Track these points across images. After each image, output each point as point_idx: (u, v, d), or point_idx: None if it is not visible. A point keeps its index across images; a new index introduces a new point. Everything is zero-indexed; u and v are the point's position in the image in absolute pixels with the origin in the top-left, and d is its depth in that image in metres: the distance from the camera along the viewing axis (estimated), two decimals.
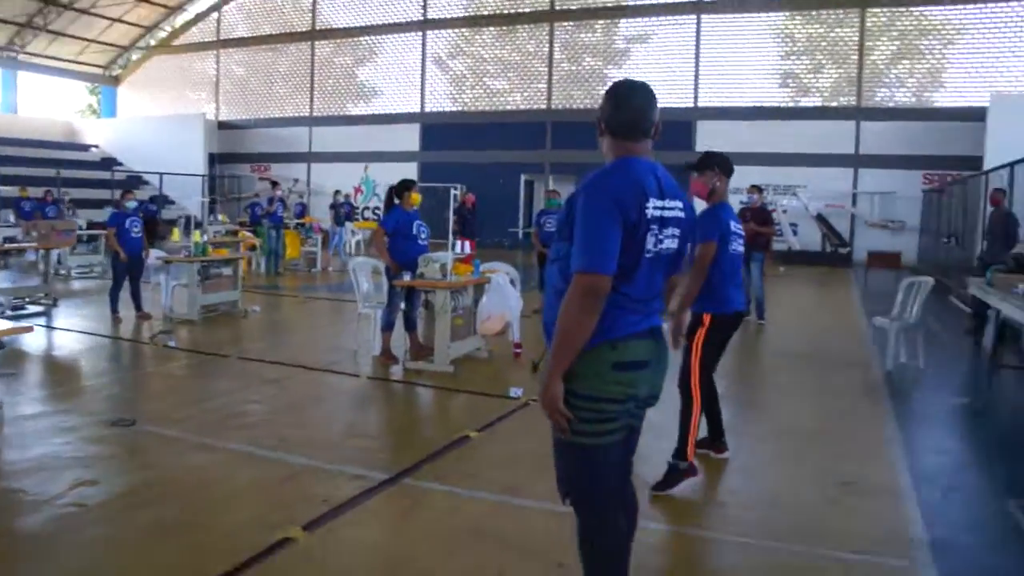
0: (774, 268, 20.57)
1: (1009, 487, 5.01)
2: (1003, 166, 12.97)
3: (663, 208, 2.70)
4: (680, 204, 2.79)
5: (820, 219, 24.27)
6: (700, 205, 4.80)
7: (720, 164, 5.03)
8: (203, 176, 30.52)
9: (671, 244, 2.76)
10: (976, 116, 21.65)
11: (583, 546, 2.82)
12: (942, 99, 24.64)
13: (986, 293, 8.63)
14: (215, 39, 33.57)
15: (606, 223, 2.56)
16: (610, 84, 2.88)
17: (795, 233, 24.54)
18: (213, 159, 32.14)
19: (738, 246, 5.07)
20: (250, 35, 33.02)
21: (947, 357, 9.48)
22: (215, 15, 33.45)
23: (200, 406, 6.25)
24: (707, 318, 4.88)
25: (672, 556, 3.96)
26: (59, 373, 7.66)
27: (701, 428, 4.98)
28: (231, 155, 32.65)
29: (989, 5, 23.37)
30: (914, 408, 7.05)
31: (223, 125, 33.16)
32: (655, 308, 2.80)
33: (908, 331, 8.49)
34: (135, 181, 28.92)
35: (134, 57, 35.43)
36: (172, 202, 28.51)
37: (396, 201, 8.17)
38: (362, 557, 3.74)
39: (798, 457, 5.50)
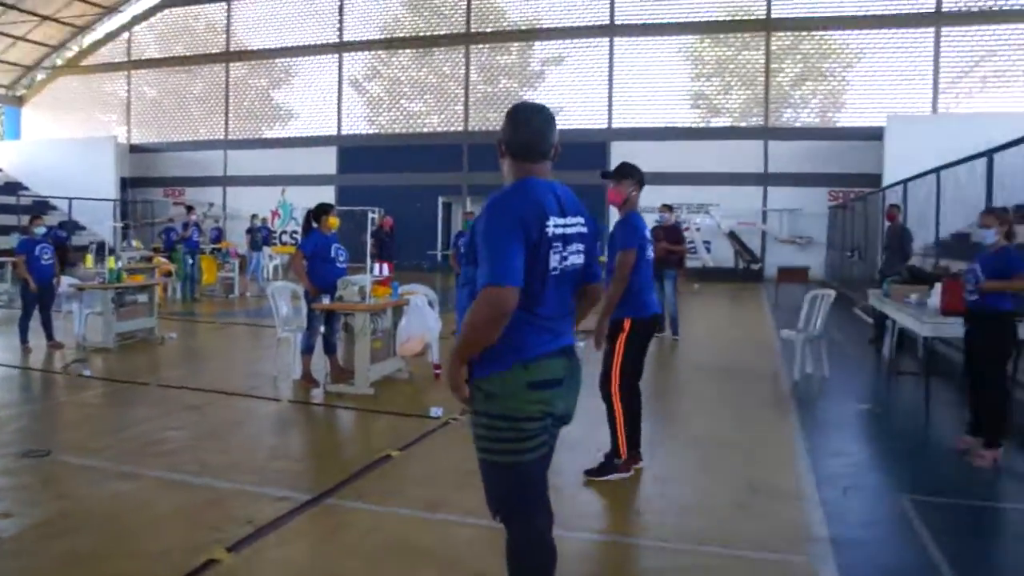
0: (689, 285, 21.13)
1: (904, 484, 5.36)
2: (897, 183, 13.67)
3: (565, 225, 2.83)
4: (582, 220, 2.94)
5: (732, 236, 25.03)
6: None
7: (636, 175, 5.39)
8: (114, 201, 29.76)
9: (576, 260, 2.90)
10: (875, 135, 22.80)
11: (511, 560, 2.92)
12: (844, 119, 25.86)
13: (883, 303, 9.12)
14: (126, 59, 32.93)
15: (508, 239, 2.67)
16: (512, 106, 2.99)
17: (709, 250, 25.26)
18: (125, 183, 31.37)
19: (651, 252, 5.42)
20: (162, 56, 32.50)
21: (851, 366, 9.94)
22: (126, 35, 32.85)
23: (118, 435, 6.18)
24: (627, 323, 5.16)
25: (594, 563, 4.13)
26: None
27: None
28: (144, 179, 31.98)
29: (885, 31, 24.62)
30: (819, 415, 7.40)
31: (135, 148, 32.46)
32: (566, 326, 2.92)
33: (813, 342, 8.89)
34: (42, 206, 28.03)
35: (40, 77, 34.43)
36: (83, 228, 27.80)
37: (314, 225, 8.22)
38: (288, 575, 3.80)
39: (710, 465, 5.75)
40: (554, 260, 2.79)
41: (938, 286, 7.44)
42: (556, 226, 2.79)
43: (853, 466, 5.78)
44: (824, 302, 8.95)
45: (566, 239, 2.84)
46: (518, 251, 2.67)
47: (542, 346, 2.80)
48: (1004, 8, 23.57)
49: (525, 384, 2.76)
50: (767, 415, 7.29)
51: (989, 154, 8.41)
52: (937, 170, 10.67)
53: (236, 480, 5.13)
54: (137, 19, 32.51)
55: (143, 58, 32.76)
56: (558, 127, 2.95)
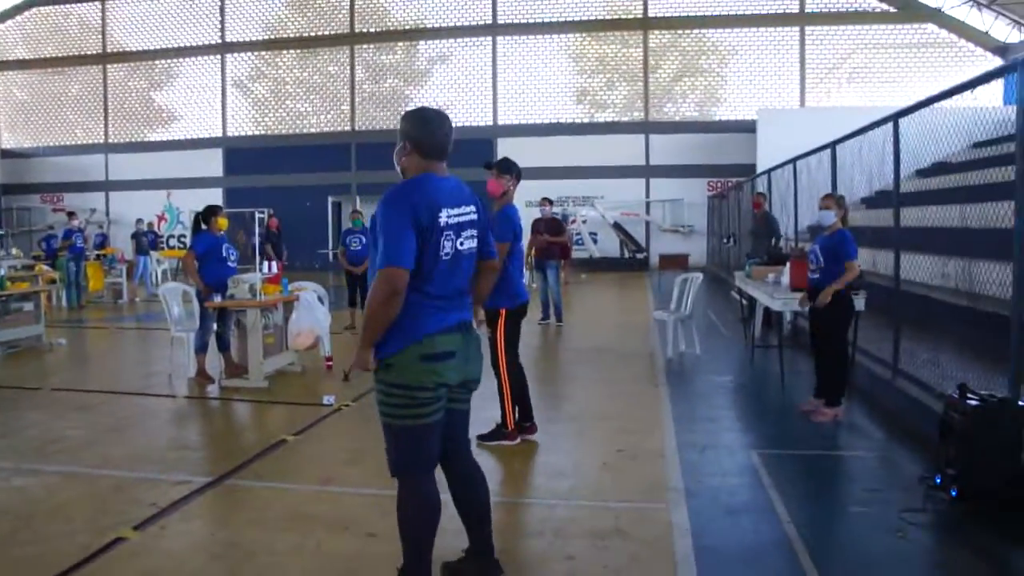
0: (576, 276, 21.89)
1: (754, 442, 6.05)
2: (762, 173, 14.62)
3: (459, 215, 3.27)
4: (473, 208, 3.39)
5: (617, 227, 25.92)
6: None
7: (516, 170, 5.94)
8: None
9: (471, 244, 3.35)
10: (749, 128, 24.00)
11: (401, 517, 3.30)
12: (721, 113, 27.10)
13: (746, 284, 9.89)
14: None
15: (400, 226, 3.08)
16: (411, 108, 3.44)
17: (595, 241, 26.09)
18: None
19: (523, 244, 6.02)
20: (32, 57, 31.18)
21: (721, 343, 10.71)
22: None
23: (14, 437, 6.28)
24: (503, 312, 5.70)
25: (500, 515, 4.51)
26: None
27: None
28: (18, 186, 30.79)
29: (756, 29, 25.93)
30: (686, 388, 8.05)
31: (7, 153, 31.19)
32: (461, 303, 3.36)
33: (684, 322, 9.58)
34: None
35: None
36: None
37: (204, 226, 8.42)
38: (193, 547, 4.11)
39: (585, 434, 6.32)
40: (446, 246, 3.21)
41: (788, 265, 8.18)
42: (449, 216, 3.22)
43: (712, 429, 6.42)
44: (693, 284, 9.66)
45: (459, 227, 3.27)
46: (408, 236, 3.08)
47: (434, 324, 3.20)
48: (861, 10, 25.16)
49: (418, 356, 3.17)
50: (640, 389, 7.90)
51: (832, 145, 9.22)
52: (793, 160, 11.52)
53: (138, 470, 5.39)
54: (1, 17, 31.10)
55: (10, 59, 31.40)
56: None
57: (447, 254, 3.22)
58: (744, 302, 12.09)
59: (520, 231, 5.89)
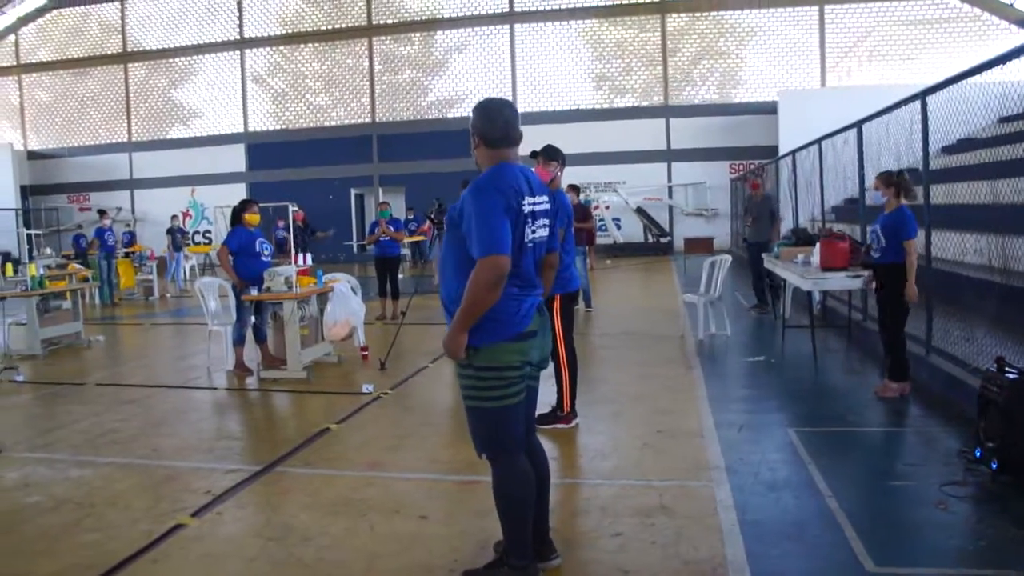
0: (601, 262, 21.96)
1: (791, 420, 6.10)
2: (786, 154, 14.60)
3: (534, 203, 3.36)
4: (545, 198, 3.48)
5: (640, 212, 25.93)
6: None
7: (561, 157, 6.07)
8: (16, 210, 28.94)
9: (543, 232, 3.44)
10: (770, 109, 23.92)
11: (500, 494, 3.41)
12: (741, 95, 26.94)
13: (774, 265, 9.92)
14: (15, 63, 31.85)
15: (495, 214, 3.17)
16: (479, 101, 3.49)
17: (619, 227, 26.11)
18: (25, 191, 30.55)
19: (573, 229, 6.13)
20: (55, 59, 31.54)
21: (750, 324, 10.78)
22: (12, 37, 31.72)
23: (66, 430, 6.45)
24: (557, 299, 5.79)
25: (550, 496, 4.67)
26: None
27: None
28: (45, 186, 31.15)
29: (776, 9, 25.76)
30: (720, 369, 8.14)
31: (33, 155, 31.57)
32: (539, 286, 3.47)
33: (713, 304, 9.65)
34: None
35: None
36: None
37: (239, 222, 8.57)
38: (250, 532, 4.24)
39: (623, 416, 6.39)
40: (528, 234, 3.32)
41: (818, 245, 8.21)
42: (529, 204, 3.32)
43: (747, 409, 6.50)
44: (722, 267, 9.72)
45: (535, 215, 3.36)
46: (505, 224, 3.18)
47: (524, 310, 3.33)
48: None
49: (507, 338, 3.29)
50: (673, 371, 7.98)
51: (859, 124, 9.22)
52: (818, 140, 11.50)
53: (188, 460, 5.55)
54: (23, 20, 31.42)
55: (33, 61, 31.80)
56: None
57: (530, 240, 3.34)
58: (772, 283, 12.15)
59: (571, 218, 6.00)
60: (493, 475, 3.44)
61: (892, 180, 6.47)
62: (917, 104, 7.12)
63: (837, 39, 25.62)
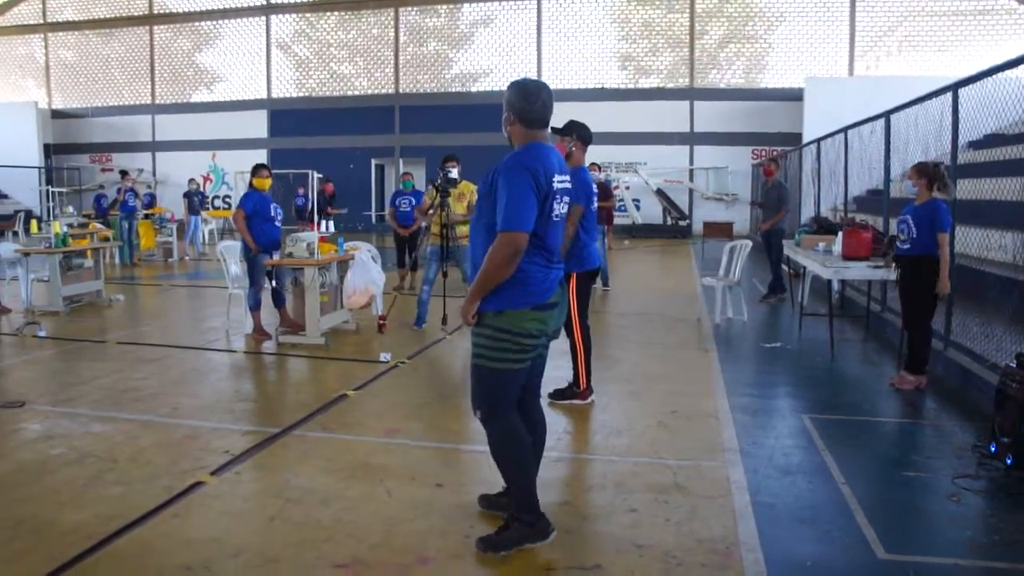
0: (619, 242, 21.94)
1: (805, 406, 6.13)
2: (811, 142, 14.52)
3: (561, 182, 3.51)
4: (567, 177, 3.63)
5: (660, 194, 25.85)
6: None
7: (579, 132, 5.94)
8: (39, 168, 29.14)
9: (563, 209, 3.60)
10: (795, 96, 23.73)
11: (498, 451, 3.58)
12: (767, 80, 26.71)
13: (795, 252, 9.90)
14: (42, 21, 31.92)
15: (523, 191, 3.32)
16: (517, 80, 3.62)
17: (638, 208, 26.06)
18: (48, 150, 30.72)
19: (595, 206, 6.08)
20: (81, 18, 31.59)
21: (767, 310, 10.77)
22: None
23: (88, 386, 6.55)
24: (574, 276, 5.81)
25: (564, 470, 4.74)
26: None
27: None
28: (68, 145, 31.33)
29: None
30: (736, 353, 8.14)
31: (57, 114, 31.71)
32: (560, 259, 3.62)
33: (732, 289, 9.65)
34: None
35: None
36: (5, 196, 27.22)
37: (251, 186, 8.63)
38: (269, 492, 4.31)
39: (639, 396, 6.42)
40: (555, 209, 3.48)
41: (841, 234, 8.19)
42: (558, 181, 3.47)
43: (762, 394, 6.52)
44: (742, 251, 9.70)
45: (561, 192, 3.52)
46: (531, 202, 3.32)
47: (550, 283, 3.49)
48: None
49: (531, 306, 3.44)
50: (690, 354, 8.00)
51: (886, 115, 9.16)
52: (844, 130, 11.44)
53: (208, 419, 5.63)
54: None
55: (60, 20, 31.85)
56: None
57: (556, 216, 3.50)
58: (790, 270, 12.13)
59: (592, 195, 5.95)
60: (488, 435, 3.60)
61: (927, 171, 6.40)
62: (948, 96, 7.07)
63: (867, 27, 25.30)
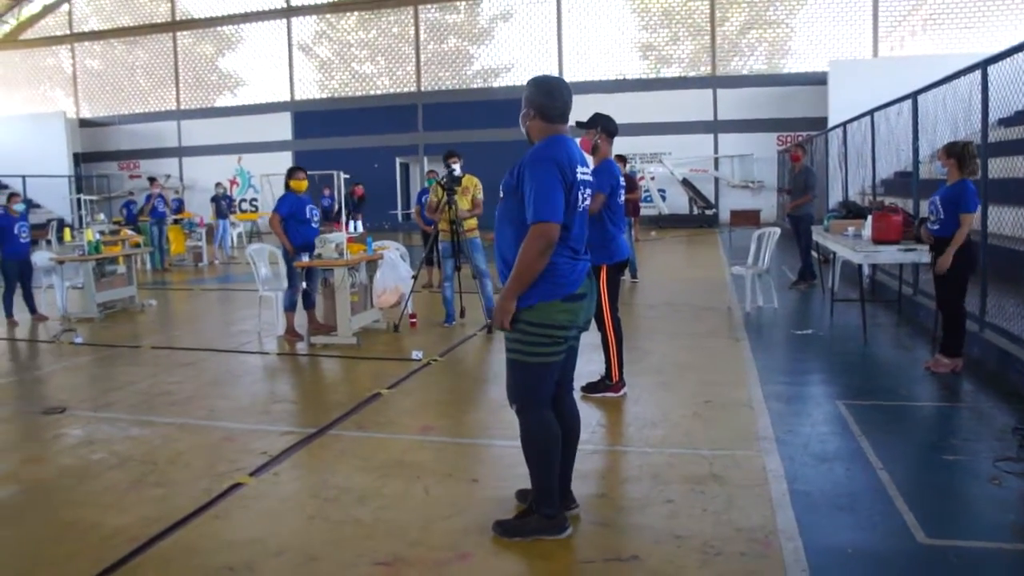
0: (646, 233, 21.87)
1: (839, 393, 6.07)
2: (837, 126, 14.38)
3: (584, 173, 3.55)
4: (588, 169, 3.67)
5: (686, 183, 25.70)
6: None
7: (604, 125, 5.99)
8: (69, 177, 29.51)
9: (587, 201, 3.62)
10: (820, 80, 23.49)
11: (528, 444, 3.62)
12: (790, 65, 26.44)
13: (824, 238, 9.82)
14: (68, 32, 32.33)
15: (550, 183, 3.36)
16: (537, 76, 3.67)
17: (664, 198, 25.93)
18: (77, 158, 31.12)
19: (622, 197, 6.06)
20: (106, 27, 31.96)
21: (797, 296, 10.70)
22: (65, 6, 32.13)
23: (124, 391, 6.65)
24: (603, 269, 5.81)
25: (599, 462, 4.77)
26: None
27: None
28: (97, 154, 31.73)
29: None
30: (767, 341, 8.09)
31: (85, 123, 32.10)
32: (586, 251, 3.65)
33: (761, 276, 9.59)
34: None
35: None
36: (38, 206, 27.59)
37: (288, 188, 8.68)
38: (307, 491, 4.36)
39: (671, 386, 6.41)
40: (580, 200, 3.51)
41: (871, 218, 8.11)
42: (581, 173, 3.51)
43: (796, 381, 6.50)
44: (770, 239, 9.65)
45: (584, 184, 3.56)
46: (559, 193, 3.36)
47: (577, 274, 3.52)
48: None
49: (561, 298, 3.47)
50: (721, 343, 7.97)
51: (914, 96, 9.05)
52: (871, 112, 11.32)
53: (244, 421, 5.69)
54: None
55: (86, 30, 32.25)
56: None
57: (581, 207, 3.52)
58: (820, 256, 12.02)
59: (618, 186, 5.94)
60: (521, 426, 3.63)
61: (954, 151, 6.32)
62: (976, 74, 6.97)
63: (891, 7, 24.93)
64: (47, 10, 32.47)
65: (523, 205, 3.39)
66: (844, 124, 13.58)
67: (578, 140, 3.65)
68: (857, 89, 18.07)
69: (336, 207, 19.09)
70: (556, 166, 3.36)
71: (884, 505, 3.89)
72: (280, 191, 8.85)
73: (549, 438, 3.58)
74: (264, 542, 3.68)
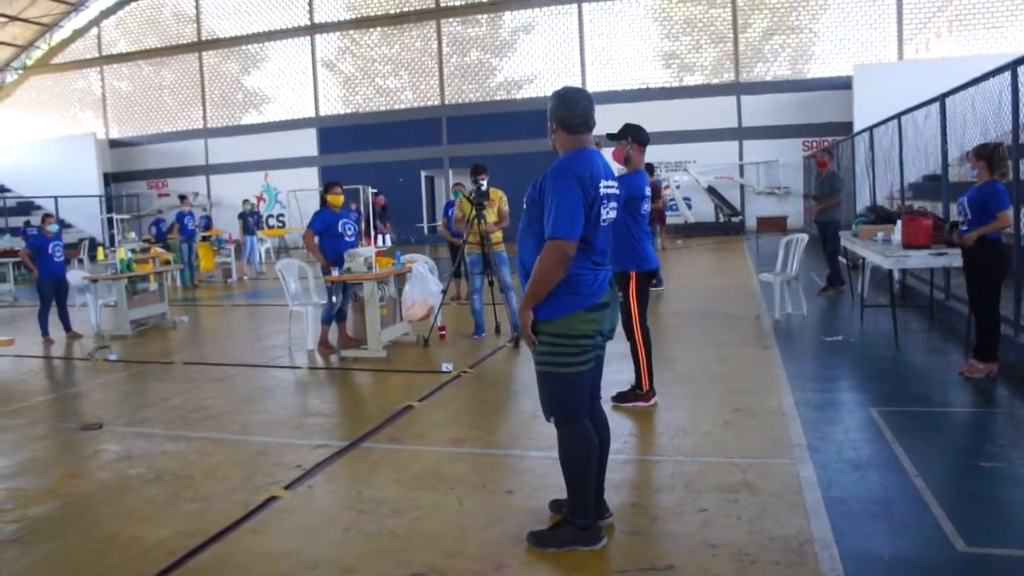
0: (672, 242, 21.83)
1: (871, 400, 6.03)
2: (864, 130, 14.29)
3: (608, 187, 3.56)
4: (615, 183, 3.68)
5: (711, 191, 25.64)
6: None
7: (634, 135, 5.95)
8: (100, 197, 29.98)
9: (613, 214, 3.64)
10: (844, 85, 23.37)
11: (567, 456, 3.62)
12: (814, 70, 26.32)
13: (853, 243, 9.76)
14: (97, 55, 32.94)
15: (570, 199, 3.39)
16: (558, 89, 3.69)
17: (689, 206, 25.88)
18: (107, 178, 31.60)
19: (647, 207, 6.00)
20: (134, 49, 32.53)
21: (826, 304, 10.63)
22: (95, 31, 32.87)
23: (159, 407, 6.74)
24: (633, 275, 5.84)
25: (631, 472, 4.78)
26: (8, 393, 7.85)
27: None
28: (126, 173, 32.26)
29: None
30: (797, 348, 8.05)
31: (114, 143, 32.64)
32: (609, 262, 3.68)
33: (790, 283, 9.54)
34: (27, 207, 28.24)
35: (10, 79, 34.40)
36: (70, 226, 28.03)
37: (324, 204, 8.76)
38: (342, 504, 4.39)
39: (702, 394, 6.40)
40: (603, 213, 3.52)
41: (900, 223, 8.05)
42: (605, 187, 3.52)
43: (828, 388, 6.46)
44: (798, 245, 9.60)
45: (608, 197, 3.57)
46: (579, 209, 3.39)
47: (598, 285, 3.55)
48: None
49: (583, 308, 3.50)
50: (750, 351, 7.93)
51: (941, 99, 8.99)
52: (898, 116, 11.24)
53: (277, 435, 5.74)
54: (104, 14, 32.54)
55: (114, 53, 32.83)
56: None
57: (604, 220, 3.53)
58: (848, 262, 11.93)
59: (645, 196, 5.93)
60: (559, 438, 3.64)
61: (985, 153, 6.28)
62: (1006, 75, 6.91)
63: (915, 9, 24.77)
64: (76, 35, 33.15)
65: (544, 217, 3.43)
66: (871, 128, 13.49)
67: (610, 151, 3.65)
68: (883, 93, 17.95)
69: (363, 223, 19.27)
70: (577, 181, 3.39)
71: (920, 512, 3.85)
72: (306, 206, 8.95)
73: (588, 450, 3.60)
74: (300, 554, 3.72)
